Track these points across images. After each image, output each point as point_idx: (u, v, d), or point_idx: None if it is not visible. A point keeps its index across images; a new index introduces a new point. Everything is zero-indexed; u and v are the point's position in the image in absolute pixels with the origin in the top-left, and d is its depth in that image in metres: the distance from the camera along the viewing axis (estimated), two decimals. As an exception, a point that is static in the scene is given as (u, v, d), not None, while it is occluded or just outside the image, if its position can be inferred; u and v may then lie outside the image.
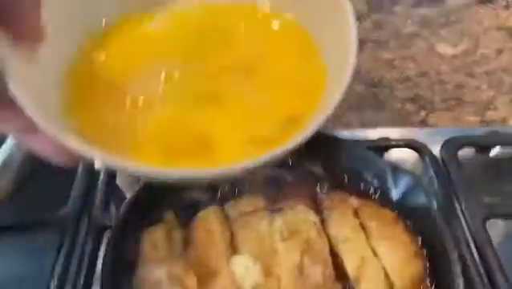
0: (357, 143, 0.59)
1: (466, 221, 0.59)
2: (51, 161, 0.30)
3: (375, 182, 0.57)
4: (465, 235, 0.58)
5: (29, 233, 0.65)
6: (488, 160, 0.72)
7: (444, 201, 0.61)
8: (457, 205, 0.61)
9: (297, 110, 0.33)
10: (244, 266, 0.48)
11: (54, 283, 0.54)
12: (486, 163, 0.72)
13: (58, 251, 0.57)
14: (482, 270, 0.55)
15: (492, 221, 0.60)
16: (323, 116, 0.30)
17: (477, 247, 0.56)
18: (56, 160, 0.29)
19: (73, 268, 0.56)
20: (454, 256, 0.48)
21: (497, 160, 0.72)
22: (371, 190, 0.57)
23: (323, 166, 0.59)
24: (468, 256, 0.55)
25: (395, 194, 0.55)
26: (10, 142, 0.41)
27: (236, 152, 0.31)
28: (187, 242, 0.51)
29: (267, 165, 0.29)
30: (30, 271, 0.64)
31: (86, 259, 0.55)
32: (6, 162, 0.40)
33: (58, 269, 0.55)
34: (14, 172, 0.41)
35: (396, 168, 0.55)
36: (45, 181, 0.69)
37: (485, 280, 0.54)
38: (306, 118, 0.32)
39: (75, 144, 0.27)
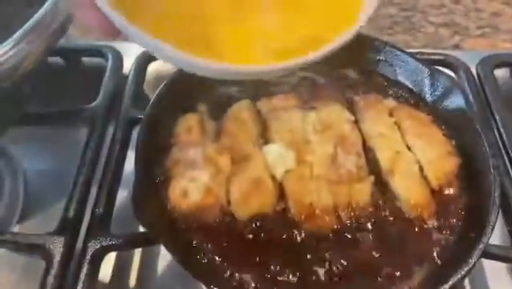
0: (394, 47, 0.57)
1: (500, 134, 0.58)
2: (94, 31, 0.33)
3: (412, 85, 0.55)
4: (498, 144, 0.57)
5: (58, 125, 0.66)
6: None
7: (479, 114, 0.60)
8: (491, 118, 0.60)
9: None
10: (276, 153, 0.48)
11: (83, 173, 0.54)
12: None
13: (88, 143, 0.57)
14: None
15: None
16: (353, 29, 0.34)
17: (508, 155, 0.56)
18: (98, 30, 0.33)
19: (102, 159, 0.57)
20: (490, 157, 0.47)
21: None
22: (407, 94, 0.55)
23: (358, 70, 0.58)
24: (501, 166, 0.55)
25: (431, 97, 0.54)
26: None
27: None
28: (219, 132, 0.51)
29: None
30: (58, 166, 0.66)
31: (117, 147, 0.55)
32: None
33: (88, 156, 0.55)
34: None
35: (435, 71, 0.54)
36: (75, 78, 0.69)
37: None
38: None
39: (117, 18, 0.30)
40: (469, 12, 0.84)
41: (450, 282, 0.39)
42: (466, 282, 0.54)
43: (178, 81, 0.53)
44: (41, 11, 0.40)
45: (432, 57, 0.66)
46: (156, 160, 0.48)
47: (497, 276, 0.53)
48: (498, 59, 0.66)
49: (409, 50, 0.66)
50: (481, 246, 0.41)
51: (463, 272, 0.40)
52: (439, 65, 0.65)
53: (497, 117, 0.60)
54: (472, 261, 0.40)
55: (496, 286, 0.52)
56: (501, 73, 0.69)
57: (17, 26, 0.40)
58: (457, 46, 0.78)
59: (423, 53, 0.66)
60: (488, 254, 0.46)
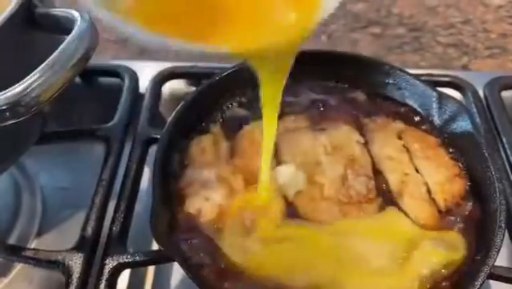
0: (403, 70, 0.59)
1: (507, 156, 0.59)
2: None
3: (420, 108, 0.57)
4: (505, 167, 0.58)
5: (75, 146, 0.68)
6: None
7: (486, 136, 0.61)
8: (498, 140, 0.61)
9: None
10: (288, 174, 0.49)
11: (100, 192, 0.56)
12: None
13: (106, 161, 0.59)
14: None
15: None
16: None
17: (516, 180, 0.57)
18: None
19: (119, 177, 0.58)
20: (496, 182, 0.48)
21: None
22: (416, 116, 0.57)
23: (366, 92, 0.59)
24: (508, 189, 0.56)
25: (439, 121, 0.56)
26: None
27: None
28: (232, 153, 0.53)
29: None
30: (75, 182, 0.68)
31: (134, 167, 0.57)
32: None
33: (105, 176, 0.57)
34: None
35: (442, 95, 0.55)
36: (93, 99, 0.72)
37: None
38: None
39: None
40: (478, 33, 0.85)
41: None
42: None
43: (192, 103, 0.55)
44: (64, 44, 0.42)
45: (441, 79, 0.67)
46: (172, 181, 0.50)
47: None
48: (505, 81, 0.67)
49: (417, 71, 0.68)
50: (487, 268, 0.42)
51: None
52: (447, 87, 0.67)
53: (504, 139, 0.61)
54: (477, 283, 0.41)
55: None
56: (509, 94, 0.70)
57: (43, 56, 0.42)
58: (465, 67, 0.80)
59: (431, 74, 0.67)
60: (493, 276, 0.47)
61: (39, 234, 0.63)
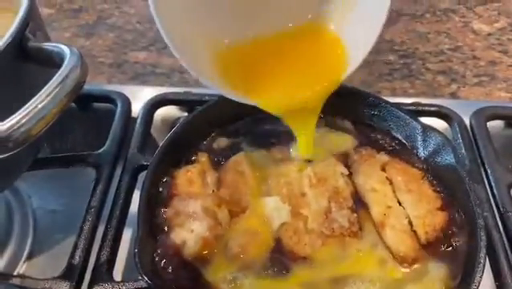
0: (388, 103, 0.60)
1: (491, 187, 0.60)
2: None
3: (405, 140, 0.58)
4: (488, 199, 0.59)
5: (67, 170, 0.69)
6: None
7: (471, 166, 0.62)
8: (482, 171, 0.62)
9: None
10: (274, 206, 0.50)
11: (89, 220, 0.57)
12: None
13: (95, 188, 0.60)
14: (503, 232, 0.56)
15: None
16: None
17: (499, 210, 0.58)
18: None
19: (108, 203, 0.59)
20: (478, 218, 0.49)
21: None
22: (400, 148, 0.58)
23: (353, 122, 0.60)
24: (490, 219, 0.57)
25: (423, 153, 0.57)
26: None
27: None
28: (219, 183, 0.54)
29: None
30: (66, 205, 0.69)
31: (122, 195, 0.58)
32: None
33: (94, 203, 0.58)
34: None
35: (427, 128, 0.56)
36: (87, 123, 0.73)
37: (506, 241, 0.55)
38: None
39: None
40: (467, 60, 0.87)
41: None
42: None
43: (181, 133, 0.56)
44: (55, 78, 0.44)
45: (427, 108, 0.68)
46: (159, 212, 0.51)
47: None
48: (491, 112, 0.68)
49: (405, 100, 0.69)
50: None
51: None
52: (433, 116, 0.68)
53: (489, 171, 0.62)
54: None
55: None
56: (495, 124, 0.71)
57: (34, 88, 0.43)
58: (453, 94, 0.81)
59: (418, 104, 0.69)
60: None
61: (30, 256, 0.64)
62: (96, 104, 0.73)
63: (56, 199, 0.70)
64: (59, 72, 0.44)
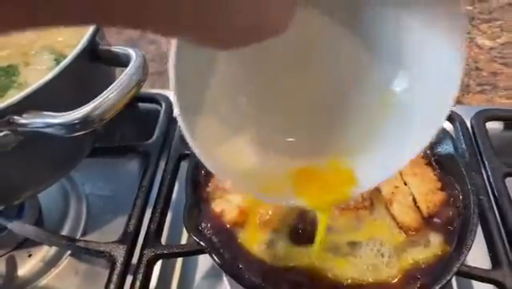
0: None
1: (488, 176, 0.69)
2: None
3: (410, 133, 0.67)
4: (485, 186, 0.68)
5: (115, 160, 0.80)
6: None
7: (470, 159, 0.70)
8: (480, 163, 0.71)
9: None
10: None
11: (140, 197, 0.67)
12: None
13: (145, 172, 0.70)
14: (498, 214, 0.64)
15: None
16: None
17: (494, 195, 0.66)
18: None
19: (156, 185, 0.70)
20: (472, 193, 0.57)
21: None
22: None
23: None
24: (486, 202, 0.65)
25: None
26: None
27: None
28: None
29: None
30: (115, 191, 0.79)
31: (169, 176, 0.68)
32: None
33: (144, 183, 0.68)
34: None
35: (429, 122, 0.65)
36: (134, 121, 0.84)
37: (500, 222, 0.63)
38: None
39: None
40: (471, 71, 0.96)
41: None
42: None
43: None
44: (123, 74, 0.55)
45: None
46: (202, 186, 0.61)
47: None
48: (490, 114, 0.77)
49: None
50: (458, 263, 0.51)
51: (439, 286, 0.50)
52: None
53: (486, 163, 0.70)
54: (448, 277, 0.50)
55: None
56: (495, 126, 0.80)
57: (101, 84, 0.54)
58: (458, 101, 0.90)
59: (424, 106, 0.78)
60: (467, 274, 0.56)
61: (83, 234, 0.74)
62: (142, 106, 0.84)
63: (106, 186, 0.81)
64: (128, 69, 0.55)
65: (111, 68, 0.64)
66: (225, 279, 0.67)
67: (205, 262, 0.68)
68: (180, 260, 0.68)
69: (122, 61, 0.57)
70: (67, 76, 0.54)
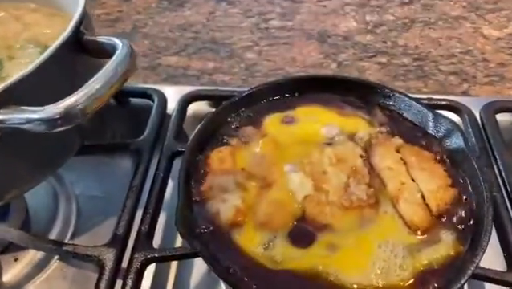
0: (401, 93, 0.65)
1: (499, 171, 0.65)
2: None
3: (417, 126, 0.63)
4: (497, 182, 0.64)
5: (107, 160, 0.76)
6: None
7: (481, 153, 0.67)
8: (491, 157, 0.67)
9: None
10: (298, 181, 0.56)
11: (131, 197, 0.63)
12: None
13: (136, 170, 0.66)
14: (511, 210, 0.60)
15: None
16: None
17: (507, 192, 0.62)
18: None
19: (147, 185, 0.66)
20: (485, 191, 0.53)
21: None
22: (413, 133, 0.63)
23: (368, 111, 0.66)
24: (499, 199, 0.61)
25: (435, 138, 0.61)
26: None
27: None
28: (248, 162, 0.59)
29: None
30: (106, 192, 0.75)
31: (161, 175, 0.64)
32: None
33: (135, 183, 0.64)
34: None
35: (437, 115, 0.62)
36: (125, 118, 0.80)
37: (514, 219, 0.60)
38: None
39: None
40: (478, 62, 0.92)
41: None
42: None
43: (214, 120, 0.63)
44: (108, 64, 0.51)
45: (440, 102, 0.73)
46: (195, 185, 0.57)
47: None
48: (500, 105, 0.73)
49: (419, 96, 0.74)
50: (473, 266, 0.47)
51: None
52: (445, 109, 0.73)
53: (498, 158, 0.66)
54: (462, 280, 0.46)
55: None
56: (505, 118, 0.76)
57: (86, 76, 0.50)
58: (465, 93, 0.86)
59: (431, 98, 0.74)
60: (481, 277, 0.52)
61: (73, 237, 0.70)
62: (133, 101, 0.80)
63: (98, 186, 0.77)
64: (113, 59, 0.50)
65: (99, 61, 0.60)
66: (222, 284, 0.64)
67: (200, 265, 0.64)
68: (174, 264, 0.64)
69: (109, 52, 0.53)
70: (50, 69, 0.51)
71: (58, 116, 0.46)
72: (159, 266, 0.64)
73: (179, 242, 0.67)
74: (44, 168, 0.60)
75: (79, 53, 0.55)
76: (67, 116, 0.47)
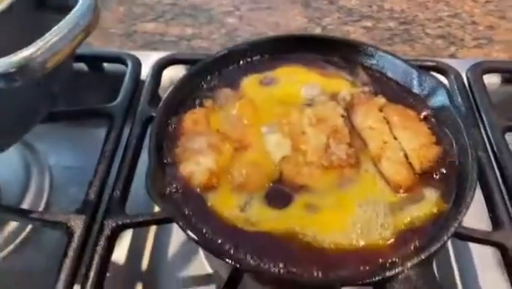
0: (385, 51, 0.62)
1: (486, 131, 0.63)
2: None
3: (401, 85, 0.60)
4: (484, 142, 0.61)
5: (81, 129, 0.73)
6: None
7: (467, 113, 0.64)
8: (478, 118, 0.64)
9: None
10: (275, 141, 0.53)
11: (103, 162, 0.61)
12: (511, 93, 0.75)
13: (108, 136, 0.63)
14: (497, 170, 0.58)
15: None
16: None
17: (493, 151, 0.60)
18: None
19: (120, 152, 0.63)
20: (469, 146, 0.51)
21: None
22: (397, 92, 0.60)
23: (351, 70, 0.63)
24: (485, 158, 0.59)
25: (419, 96, 0.59)
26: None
27: None
28: (223, 124, 0.56)
29: None
30: (81, 162, 0.72)
31: (134, 141, 0.61)
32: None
33: (107, 147, 0.61)
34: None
35: (422, 72, 0.59)
36: (99, 84, 0.77)
37: (500, 179, 0.58)
38: None
39: None
40: (466, 25, 0.89)
41: (424, 255, 0.43)
42: (455, 268, 0.59)
43: (187, 82, 0.60)
44: (68, 16, 0.47)
45: (425, 63, 0.71)
46: (167, 148, 0.54)
47: (486, 263, 0.58)
48: (487, 66, 0.71)
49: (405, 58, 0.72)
50: (456, 223, 0.45)
51: (435, 247, 0.44)
52: (431, 70, 0.70)
53: (484, 117, 0.64)
54: (445, 238, 0.44)
55: (484, 271, 0.57)
56: (492, 80, 0.74)
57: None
58: (452, 56, 0.83)
59: (417, 60, 0.71)
60: (466, 237, 0.51)
61: (46, 209, 0.67)
62: (108, 68, 0.77)
63: (71, 157, 0.74)
64: (73, 11, 0.47)
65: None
66: (201, 252, 0.61)
67: (179, 232, 0.62)
68: (152, 231, 0.62)
69: (69, 5, 0.50)
70: (5, 24, 0.47)
71: (13, 70, 0.43)
72: (136, 234, 0.61)
73: (157, 210, 0.64)
74: (7, 135, 0.56)
75: (39, 7, 0.52)
76: (23, 68, 0.44)
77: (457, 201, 0.48)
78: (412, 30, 0.88)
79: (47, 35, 0.45)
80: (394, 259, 0.44)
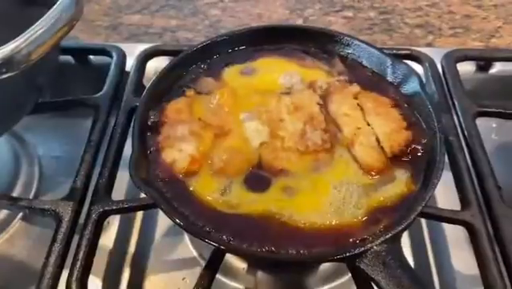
0: (360, 41, 0.65)
1: (457, 116, 0.65)
2: None
3: (376, 73, 0.63)
4: (455, 127, 0.64)
5: (69, 120, 0.75)
6: (486, 77, 0.77)
7: (440, 99, 0.67)
8: (450, 104, 0.67)
9: None
10: (254, 128, 0.56)
11: (89, 151, 0.63)
12: (485, 80, 0.78)
13: (94, 125, 0.65)
14: (468, 156, 0.61)
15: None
16: None
17: (464, 136, 0.63)
18: None
19: (106, 140, 0.65)
20: (438, 130, 0.54)
21: (496, 77, 0.77)
22: (371, 79, 0.63)
23: (327, 59, 0.65)
24: (456, 143, 0.62)
25: (392, 83, 0.61)
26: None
27: None
28: (205, 112, 0.59)
29: None
30: (69, 152, 0.74)
31: (119, 130, 0.63)
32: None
33: (93, 137, 0.64)
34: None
35: (395, 60, 0.61)
36: (85, 76, 0.78)
37: (468, 158, 0.61)
38: None
39: None
40: (443, 14, 0.91)
41: (391, 233, 0.46)
42: (429, 246, 0.62)
43: (170, 72, 0.62)
44: (50, 11, 0.49)
45: (401, 52, 0.73)
46: (151, 136, 0.56)
47: (457, 242, 0.61)
48: (461, 53, 0.73)
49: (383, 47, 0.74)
50: (423, 203, 0.48)
51: (402, 226, 0.46)
52: (406, 59, 0.73)
53: (456, 103, 0.67)
54: (412, 216, 0.47)
55: (455, 250, 0.60)
56: (467, 68, 0.77)
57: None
58: (429, 44, 0.86)
59: (393, 48, 0.73)
60: (436, 216, 0.53)
61: (36, 197, 0.69)
62: (94, 60, 0.79)
63: (60, 147, 0.76)
64: (56, 5, 0.49)
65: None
66: (186, 236, 0.64)
67: (164, 217, 0.64)
68: (139, 217, 0.64)
69: (55, 1, 0.52)
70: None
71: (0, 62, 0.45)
72: (123, 220, 0.64)
73: (142, 196, 0.66)
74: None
75: (28, 5, 0.54)
76: (10, 61, 0.46)
77: (425, 182, 0.51)
78: (391, 19, 0.90)
79: (31, 28, 0.47)
80: (364, 237, 0.47)
